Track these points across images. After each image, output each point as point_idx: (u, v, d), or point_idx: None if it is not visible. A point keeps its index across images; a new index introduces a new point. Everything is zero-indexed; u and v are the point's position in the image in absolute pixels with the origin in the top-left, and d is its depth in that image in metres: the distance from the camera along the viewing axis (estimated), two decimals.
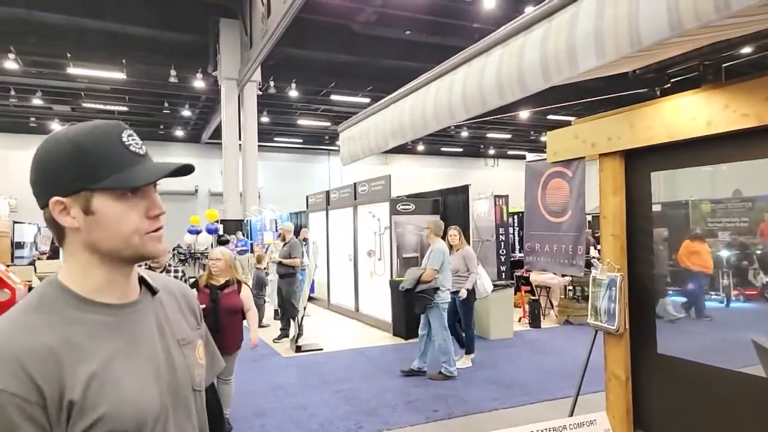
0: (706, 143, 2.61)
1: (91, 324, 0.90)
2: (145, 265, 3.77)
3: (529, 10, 2.14)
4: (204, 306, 3.97)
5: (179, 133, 28.50)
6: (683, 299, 2.96)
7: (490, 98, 2.29)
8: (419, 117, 2.88)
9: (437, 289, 6.05)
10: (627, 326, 3.04)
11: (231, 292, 4.30)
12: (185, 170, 0.98)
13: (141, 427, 0.88)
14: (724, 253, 2.74)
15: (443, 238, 6.54)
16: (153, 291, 1.04)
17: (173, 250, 23.89)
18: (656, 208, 2.98)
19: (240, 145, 18.58)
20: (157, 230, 0.96)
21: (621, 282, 2.98)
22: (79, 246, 0.93)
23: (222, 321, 4.17)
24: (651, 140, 2.77)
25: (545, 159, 3.74)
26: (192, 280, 4.92)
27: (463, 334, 6.80)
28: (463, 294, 6.50)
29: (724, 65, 3.14)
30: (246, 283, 4.47)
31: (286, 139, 30.37)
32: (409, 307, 7.38)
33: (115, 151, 0.92)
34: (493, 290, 8.18)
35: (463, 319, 6.73)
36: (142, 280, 1.03)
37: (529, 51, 2.06)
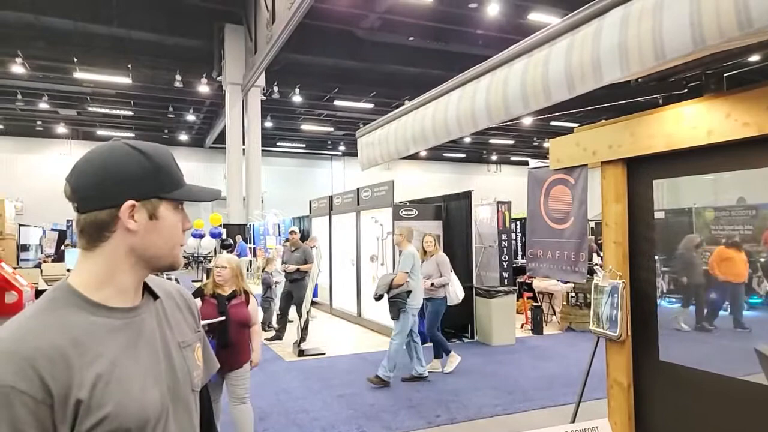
0: (708, 152, 2.63)
1: (98, 326, 0.94)
2: None
3: (554, 22, 2.18)
4: (211, 321, 3.72)
5: (183, 137, 28.63)
6: (687, 308, 2.97)
7: (514, 107, 2.33)
8: (441, 123, 2.91)
9: (409, 292, 6.07)
10: (629, 333, 3.05)
11: (239, 303, 3.94)
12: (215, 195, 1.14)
13: (144, 426, 0.93)
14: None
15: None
16: (155, 295, 1.09)
17: None
18: (659, 215, 3.00)
19: (243, 149, 18.66)
20: (182, 245, 1.08)
21: (623, 289, 3.00)
22: (121, 249, 0.98)
23: (232, 335, 3.82)
24: (651, 149, 2.79)
25: (548, 166, 3.77)
26: (195, 286, 4.73)
27: (427, 340, 6.77)
28: (427, 285, 6.45)
29: (725, 74, 3.17)
30: (252, 294, 4.12)
31: (290, 144, 30.47)
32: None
33: (176, 169, 1.05)
34: (495, 296, 8.22)
35: (427, 323, 6.70)
36: (144, 285, 1.07)
37: (554, 62, 2.10)
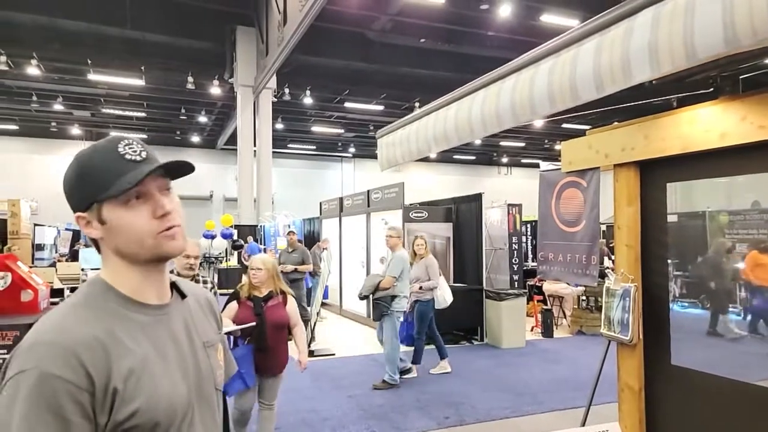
0: (723, 154, 2.61)
1: (131, 322, 0.98)
2: (176, 273, 3.55)
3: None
4: (247, 324, 3.59)
5: (195, 139, 28.82)
6: (705, 312, 2.95)
7: (541, 106, 2.35)
8: (465, 123, 2.92)
9: (394, 296, 6.03)
10: (640, 337, 3.04)
11: (276, 304, 3.77)
12: (184, 168, 1.04)
13: (172, 420, 0.96)
14: (741, 265, 2.73)
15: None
16: (183, 295, 1.12)
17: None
18: (672, 218, 2.98)
19: (254, 151, 18.75)
20: (169, 229, 1.01)
21: (635, 293, 2.98)
22: (110, 252, 1.02)
23: (269, 338, 3.65)
24: (665, 151, 2.78)
25: (559, 168, 3.76)
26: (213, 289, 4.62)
27: (417, 343, 6.66)
28: (415, 288, 6.42)
29: (741, 77, 3.15)
30: (291, 294, 3.94)
31: (300, 146, 30.55)
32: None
33: (111, 163, 0.98)
34: (505, 299, 8.20)
35: (415, 327, 6.62)
36: (173, 285, 1.11)
37: (582, 62, 2.12)
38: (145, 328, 0.99)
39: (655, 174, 2.99)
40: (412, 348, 6.68)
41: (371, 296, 6.19)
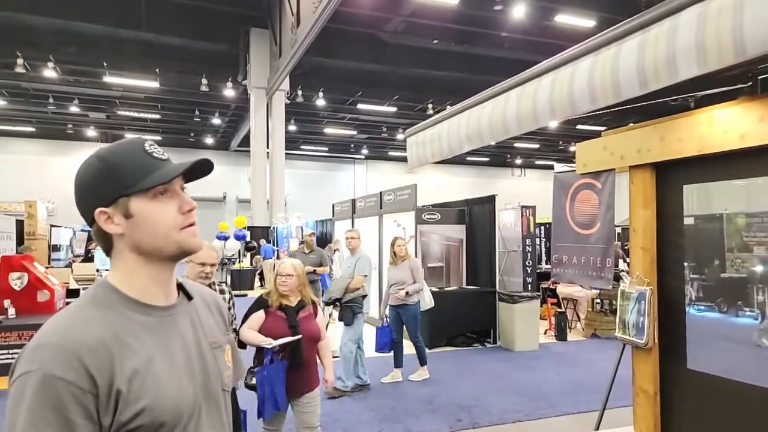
0: (741, 156, 2.57)
1: (137, 323, 0.99)
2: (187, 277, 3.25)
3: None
4: (287, 340, 3.27)
5: (209, 140, 29.06)
6: (718, 315, 2.90)
7: (581, 103, 2.36)
8: (499, 121, 2.92)
9: (365, 296, 5.90)
10: (656, 340, 3.00)
11: (308, 315, 3.42)
12: (205, 168, 1.08)
13: (178, 420, 0.96)
14: (759, 269, 2.68)
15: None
16: (189, 296, 1.13)
17: None
18: (688, 221, 2.94)
19: (268, 152, 18.86)
20: (191, 225, 1.05)
21: (650, 296, 2.94)
22: (126, 250, 1.03)
23: (306, 353, 3.34)
24: (681, 153, 2.74)
25: (574, 170, 3.73)
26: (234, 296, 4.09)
27: (392, 348, 6.39)
28: (402, 295, 6.14)
29: (760, 77, 3.10)
30: (319, 304, 3.62)
31: (313, 148, 30.67)
32: (433, 315, 7.37)
33: (140, 159, 1.02)
34: (519, 301, 8.14)
35: (410, 333, 6.35)
36: (179, 286, 1.12)
37: (624, 59, 2.13)
38: (151, 329, 1.00)
39: (671, 176, 2.95)
40: (392, 353, 6.42)
41: (340, 300, 5.89)
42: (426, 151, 3.70)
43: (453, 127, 3.36)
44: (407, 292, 6.14)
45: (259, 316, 3.43)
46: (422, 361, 6.44)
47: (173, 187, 1.03)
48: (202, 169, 1.07)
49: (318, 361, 3.54)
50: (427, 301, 6.52)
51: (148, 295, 1.02)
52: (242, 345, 3.38)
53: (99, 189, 1.00)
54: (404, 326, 6.39)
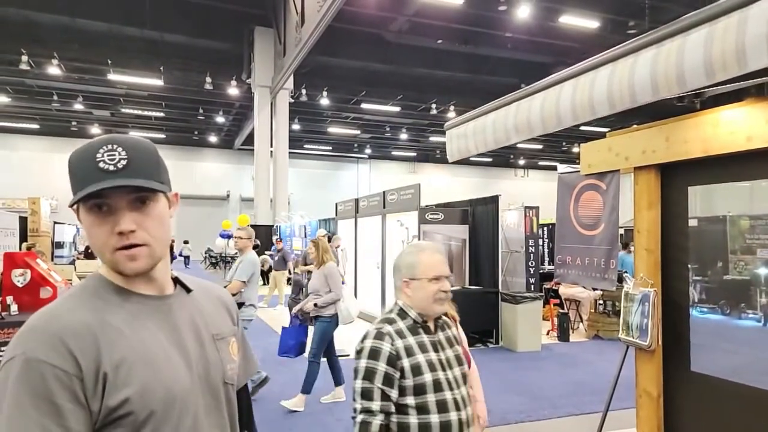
0: (747, 158, 2.56)
1: (128, 310, 0.98)
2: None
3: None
4: None
5: (213, 139, 29.11)
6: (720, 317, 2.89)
7: (642, 94, 2.36)
8: (551, 113, 2.91)
9: (242, 304, 5.23)
10: (659, 342, 2.99)
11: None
12: (134, 189, 0.97)
13: (170, 408, 0.94)
14: (762, 271, 2.67)
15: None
16: (187, 289, 1.12)
17: (205, 252, 24.35)
18: (692, 223, 2.93)
19: (271, 151, 18.87)
20: (128, 248, 0.96)
21: (654, 297, 2.94)
22: None
23: None
24: (687, 154, 2.73)
25: (578, 171, 3.72)
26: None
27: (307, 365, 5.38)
28: (309, 307, 5.31)
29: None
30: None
31: (316, 147, 30.69)
32: None
33: (86, 168, 0.96)
34: (521, 302, 8.13)
35: (312, 349, 5.34)
36: (176, 280, 1.10)
37: (690, 51, 2.13)
38: (142, 316, 0.99)
39: (676, 177, 2.94)
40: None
41: None
42: (468, 143, 3.69)
43: (500, 119, 3.35)
44: (315, 304, 5.27)
45: None
46: (305, 388, 5.28)
47: (115, 204, 0.96)
48: (148, 188, 0.98)
49: None
50: (344, 315, 5.55)
51: (139, 286, 1.01)
52: None
53: (71, 187, 0.99)
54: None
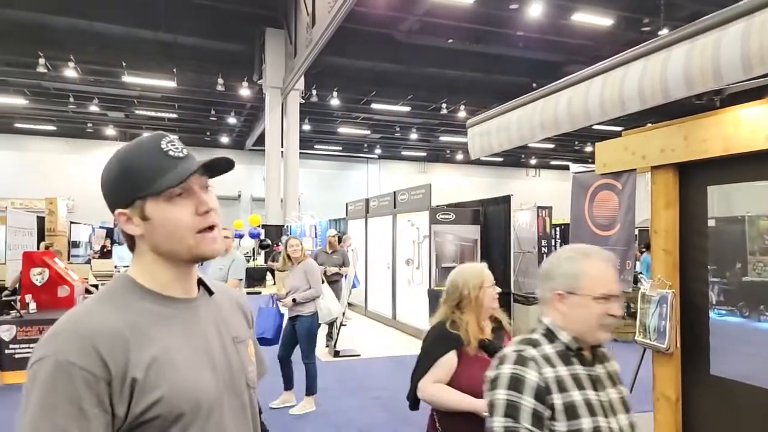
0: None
1: (155, 313, 0.98)
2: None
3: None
4: None
5: (224, 139, 29.26)
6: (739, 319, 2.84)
7: (675, 89, 2.33)
8: (580, 109, 2.87)
9: None
10: (678, 345, 2.94)
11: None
12: (224, 164, 1.04)
13: (197, 411, 0.95)
14: None
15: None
16: (210, 292, 1.12)
17: None
18: (709, 223, 2.89)
19: (282, 152, 18.94)
20: (210, 228, 1.01)
21: (672, 299, 2.89)
22: (146, 249, 1.03)
23: None
24: (706, 153, 2.68)
25: (591, 170, 3.67)
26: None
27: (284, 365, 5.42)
28: (288, 303, 5.20)
29: None
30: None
31: (327, 147, 30.73)
32: None
33: (154, 160, 0.99)
34: (534, 303, 8.06)
35: (303, 351, 5.28)
36: (200, 282, 1.11)
37: (727, 45, 2.10)
38: (170, 320, 1.00)
39: (695, 176, 2.89)
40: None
41: None
42: (492, 141, 3.66)
43: (525, 116, 3.31)
44: (294, 300, 5.16)
45: (450, 362, 2.27)
46: (309, 390, 5.33)
47: (191, 187, 1.00)
48: (220, 166, 1.04)
49: None
50: (324, 312, 5.46)
51: (168, 288, 1.02)
52: (416, 405, 2.41)
53: (117, 191, 1.01)
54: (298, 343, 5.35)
